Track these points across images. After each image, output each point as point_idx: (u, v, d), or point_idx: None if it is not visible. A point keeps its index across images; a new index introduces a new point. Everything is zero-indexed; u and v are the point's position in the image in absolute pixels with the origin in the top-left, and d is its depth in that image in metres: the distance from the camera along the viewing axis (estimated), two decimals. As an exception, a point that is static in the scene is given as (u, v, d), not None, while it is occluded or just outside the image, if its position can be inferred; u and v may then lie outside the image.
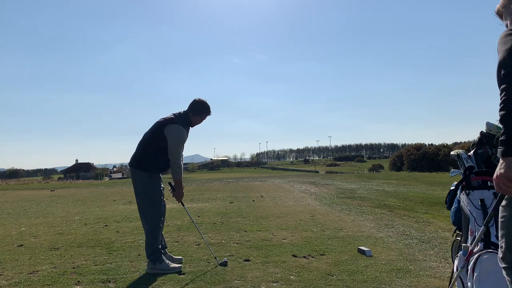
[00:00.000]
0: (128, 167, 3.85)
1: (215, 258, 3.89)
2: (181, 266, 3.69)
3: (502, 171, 1.61)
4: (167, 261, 3.66)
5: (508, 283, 1.82)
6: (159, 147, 3.61)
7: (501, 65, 1.70)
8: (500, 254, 1.86)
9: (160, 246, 3.68)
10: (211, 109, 3.85)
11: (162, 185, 3.79)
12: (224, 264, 3.75)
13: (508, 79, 1.63)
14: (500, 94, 1.65)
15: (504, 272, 1.84)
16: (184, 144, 3.75)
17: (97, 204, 10.37)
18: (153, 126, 3.74)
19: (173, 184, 3.73)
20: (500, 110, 1.64)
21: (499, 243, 1.86)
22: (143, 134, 3.81)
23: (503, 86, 1.65)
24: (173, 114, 3.77)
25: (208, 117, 3.90)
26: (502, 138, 1.63)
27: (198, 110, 3.79)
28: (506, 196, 1.76)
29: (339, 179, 20.12)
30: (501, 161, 1.63)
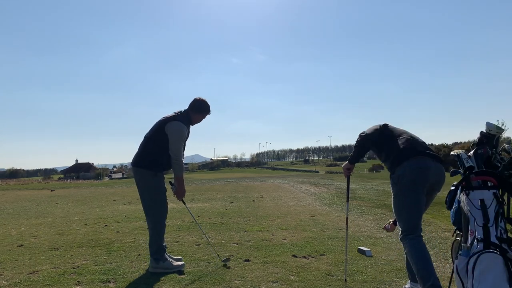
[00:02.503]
0: (131, 166, 3.84)
1: (217, 255, 3.90)
2: (184, 264, 3.69)
3: (343, 165, 3.23)
4: (170, 260, 3.66)
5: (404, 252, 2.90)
6: (161, 145, 3.61)
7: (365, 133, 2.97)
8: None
9: (164, 244, 3.68)
10: (211, 109, 3.89)
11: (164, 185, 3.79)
12: (227, 261, 3.78)
13: (361, 138, 2.97)
14: (358, 139, 2.98)
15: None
16: (185, 142, 3.76)
17: (97, 204, 10.37)
18: (154, 125, 3.75)
19: (173, 182, 3.73)
20: (356, 142, 2.99)
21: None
22: (144, 134, 3.81)
23: (359, 141, 2.97)
24: (174, 112, 3.79)
25: (208, 116, 3.93)
26: (351, 154, 3.07)
27: (199, 109, 3.82)
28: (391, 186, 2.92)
29: (339, 179, 20.11)
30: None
